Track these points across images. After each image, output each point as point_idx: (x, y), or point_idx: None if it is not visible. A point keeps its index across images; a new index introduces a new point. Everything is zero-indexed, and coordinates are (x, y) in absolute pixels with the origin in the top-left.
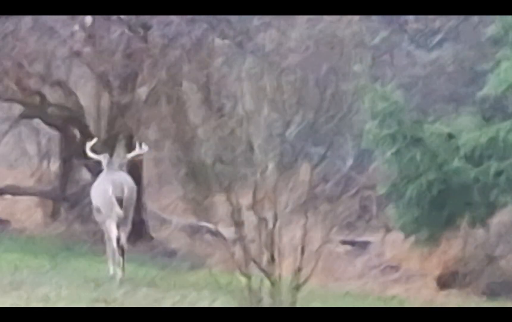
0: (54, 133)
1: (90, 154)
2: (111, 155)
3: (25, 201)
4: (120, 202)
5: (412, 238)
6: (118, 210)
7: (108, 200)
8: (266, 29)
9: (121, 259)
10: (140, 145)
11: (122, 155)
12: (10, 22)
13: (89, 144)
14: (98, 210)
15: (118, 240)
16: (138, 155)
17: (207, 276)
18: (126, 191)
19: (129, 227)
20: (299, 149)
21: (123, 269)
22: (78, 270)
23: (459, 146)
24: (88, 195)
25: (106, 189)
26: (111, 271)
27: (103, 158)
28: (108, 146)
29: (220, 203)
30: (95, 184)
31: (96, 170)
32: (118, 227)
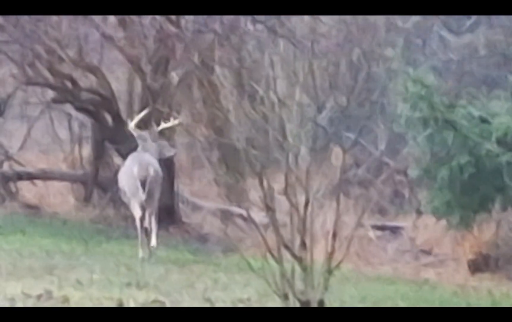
0: (86, 118)
1: (133, 130)
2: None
3: (56, 186)
4: (143, 183)
5: (444, 222)
6: (141, 191)
7: (133, 181)
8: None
9: (146, 240)
10: (174, 117)
11: (155, 129)
12: None
13: (136, 118)
14: (124, 192)
15: (141, 221)
16: (171, 126)
17: (239, 261)
18: (151, 172)
19: (154, 209)
20: (331, 134)
21: (149, 251)
22: (110, 254)
23: (491, 130)
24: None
25: (132, 170)
26: (140, 254)
27: (147, 133)
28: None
29: (252, 187)
30: (122, 167)
31: (127, 154)
32: (142, 208)
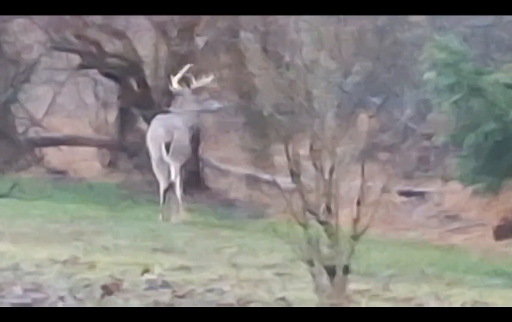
0: (112, 83)
1: (175, 86)
2: (168, 105)
3: (82, 151)
4: (168, 146)
5: (470, 188)
6: (165, 154)
7: (158, 143)
8: None
9: (174, 205)
10: (206, 75)
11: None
12: None
13: (179, 73)
14: (150, 154)
15: (164, 185)
16: (204, 85)
17: (265, 226)
18: (175, 136)
19: (179, 174)
20: (358, 99)
21: (177, 214)
22: (137, 219)
23: None
24: (145, 145)
25: (157, 133)
26: (160, 217)
27: (186, 92)
28: (165, 96)
29: (277, 153)
30: (149, 129)
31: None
32: (167, 172)
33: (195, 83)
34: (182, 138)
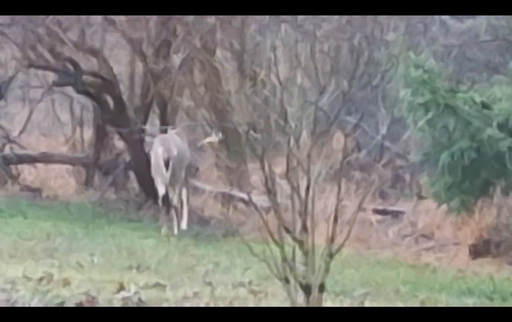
0: (88, 101)
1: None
2: (144, 123)
3: (58, 169)
4: (167, 163)
5: (445, 207)
6: (164, 171)
7: (157, 160)
8: None
9: (174, 217)
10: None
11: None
12: None
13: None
14: (151, 170)
15: (164, 200)
16: (212, 142)
17: (240, 244)
18: (174, 152)
19: (178, 187)
20: (333, 118)
21: (178, 228)
22: (111, 237)
23: (492, 115)
24: (121, 163)
25: (157, 150)
26: (163, 231)
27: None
28: (141, 114)
29: (253, 171)
30: (152, 149)
31: (129, 138)
32: (166, 187)
33: (201, 141)
34: (181, 155)
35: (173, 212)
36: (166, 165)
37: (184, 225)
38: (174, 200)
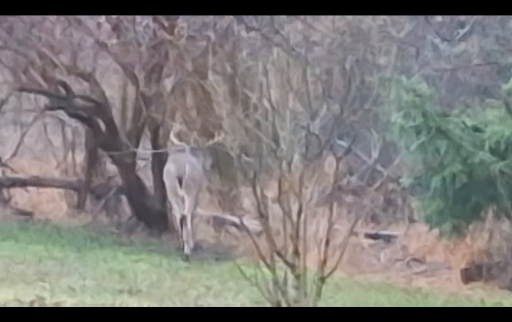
0: (80, 125)
1: (174, 140)
2: (136, 147)
3: (49, 192)
4: (180, 181)
5: (436, 231)
6: (178, 188)
7: (171, 179)
8: (292, 22)
9: (187, 236)
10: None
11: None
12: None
13: (174, 129)
14: (167, 193)
15: (181, 220)
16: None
17: (232, 268)
18: (187, 170)
19: (191, 206)
20: (325, 142)
21: (188, 245)
22: (103, 261)
23: (484, 139)
24: (113, 186)
25: (170, 168)
26: (186, 250)
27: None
28: (133, 138)
29: (245, 195)
30: (165, 167)
31: (121, 161)
32: (181, 206)
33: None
34: (194, 172)
35: (185, 231)
36: (180, 182)
37: (191, 245)
38: (188, 220)
